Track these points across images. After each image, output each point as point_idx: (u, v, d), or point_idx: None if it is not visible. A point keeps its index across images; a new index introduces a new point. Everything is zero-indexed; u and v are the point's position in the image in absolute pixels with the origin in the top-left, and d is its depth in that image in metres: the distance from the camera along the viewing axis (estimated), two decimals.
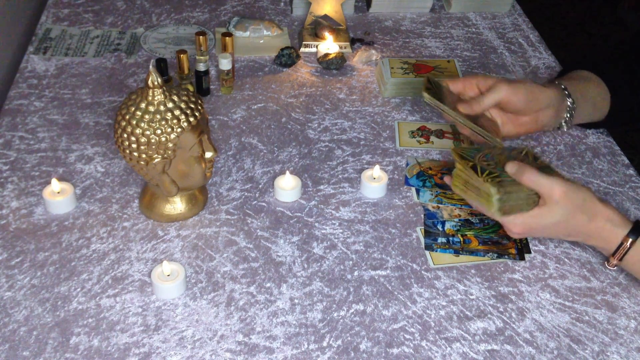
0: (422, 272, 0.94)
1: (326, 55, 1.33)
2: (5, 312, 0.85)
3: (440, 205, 1.05)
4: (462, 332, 0.86)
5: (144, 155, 0.89)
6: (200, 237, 0.97)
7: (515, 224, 0.91)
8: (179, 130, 0.88)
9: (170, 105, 0.89)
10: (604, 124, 1.18)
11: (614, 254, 0.90)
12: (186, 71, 1.22)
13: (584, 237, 0.92)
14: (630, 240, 0.88)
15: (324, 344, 0.84)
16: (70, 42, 1.37)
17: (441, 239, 0.99)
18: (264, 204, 1.03)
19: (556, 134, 1.20)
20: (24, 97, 1.22)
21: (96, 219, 0.99)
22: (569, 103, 1.10)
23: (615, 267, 0.94)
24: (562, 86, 1.09)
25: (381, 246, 0.97)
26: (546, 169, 0.92)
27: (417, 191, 1.07)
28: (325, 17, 1.43)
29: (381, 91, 1.29)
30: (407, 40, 1.46)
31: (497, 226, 1.01)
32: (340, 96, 1.28)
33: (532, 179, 0.89)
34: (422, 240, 0.99)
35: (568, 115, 1.11)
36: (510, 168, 0.91)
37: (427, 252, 0.97)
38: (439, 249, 0.97)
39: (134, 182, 1.05)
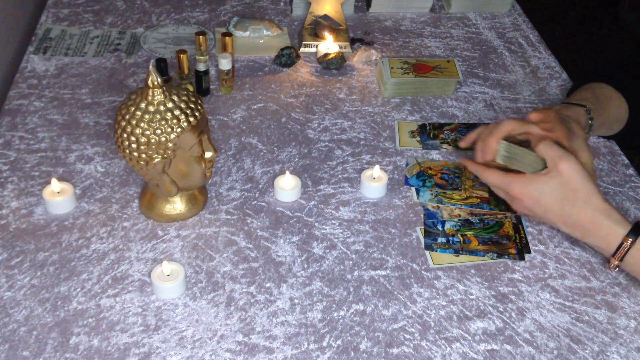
0: (422, 272, 0.94)
1: (326, 55, 1.33)
2: (5, 312, 0.85)
3: (440, 205, 1.05)
4: (462, 332, 0.86)
5: (144, 155, 0.89)
6: (200, 237, 0.97)
7: (514, 187, 0.92)
8: (179, 130, 0.88)
9: (170, 105, 0.89)
10: (617, 136, 1.17)
11: (614, 255, 0.90)
12: (186, 71, 1.22)
13: (581, 231, 0.91)
14: (631, 240, 0.88)
15: (324, 344, 0.84)
16: (70, 42, 1.37)
17: (441, 239, 0.99)
18: (264, 204, 1.03)
19: None
20: (24, 97, 1.22)
21: (96, 219, 0.99)
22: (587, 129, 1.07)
23: (617, 269, 0.93)
24: (590, 117, 1.06)
25: (381, 246, 0.97)
26: None
27: (417, 191, 1.07)
28: (325, 17, 1.43)
29: (381, 91, 1.29)
30: (407, 40, 1.46)
31: (497, 226, 1.01)
32: (340, 96, 1.28)
33: (548, 144, 0.90)
34: (422, 240, 0.99)
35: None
36: (535, 128, 0.93)
37: (427, 252, 0.97)
38: (438, 249, 0.97)
39: (134, 182, 1.05)
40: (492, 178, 0.95)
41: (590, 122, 1.06)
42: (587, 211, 0.89)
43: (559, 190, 0.90)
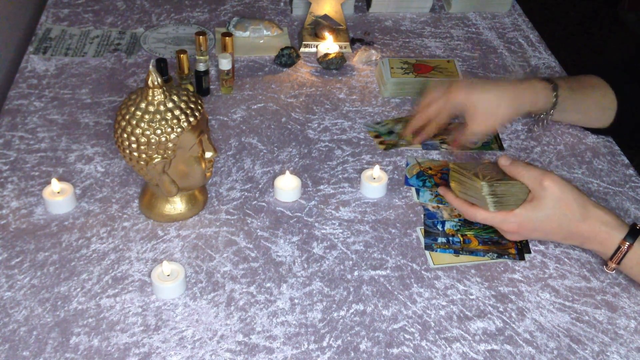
0: (422, 272, 0.94)
1: (326, 55, 1.33)
2: (5, 312, 0.85)
3: (440, 205, 1.05)
4: (462, 332, 0.86)
5: (144, 155, 0.89)
6: (200, 237, 0.97)
7: (509, 223, 0.91)
8: (179, 130, 0.88)
9: (170, 105, 0.89)
10: (609, 131, 1.17)
11: (611, 258, 0.90)
12: (186, 71, 1.22)
13: (580, 241, 0.92)
14: (628, 243, 0.88)
15: (324, 344, 0.84)
16: (70, 42, 1.37)
17: (441, 239, 0.99)
18: (264, 204, 1.03)
19: (556, 134, 1.20)
20: (24, 97, 1.22)
21: (96, 219, 0.99)
22: (552, 101, 1.09)
23: (614, 271, 0.94)
24: (554, 84, 1.08)
25: (381, 246, 0.97)
26: None
27: (417, 191, 1.07)
28: (325, 17, 1.43)
29: (381, 91, 1.29)
30: (407, 40, 1.46)
31: None
32: (340, 96, 1.28)
33: (523, 169, 0.90)
34: (422, 240, 0.99)
35: (544, 113, 1.11)
36: (504, 161, 0.92)
37: (427, 252, 0.97)
38: (438, 249, 0.97)
39: (134, 182, 1.05)
40: (481, 216, 0.93)
41: (554, 94, 1.07)
42: (585, 223, 0.89)
43: (554, 211, 0.89)
